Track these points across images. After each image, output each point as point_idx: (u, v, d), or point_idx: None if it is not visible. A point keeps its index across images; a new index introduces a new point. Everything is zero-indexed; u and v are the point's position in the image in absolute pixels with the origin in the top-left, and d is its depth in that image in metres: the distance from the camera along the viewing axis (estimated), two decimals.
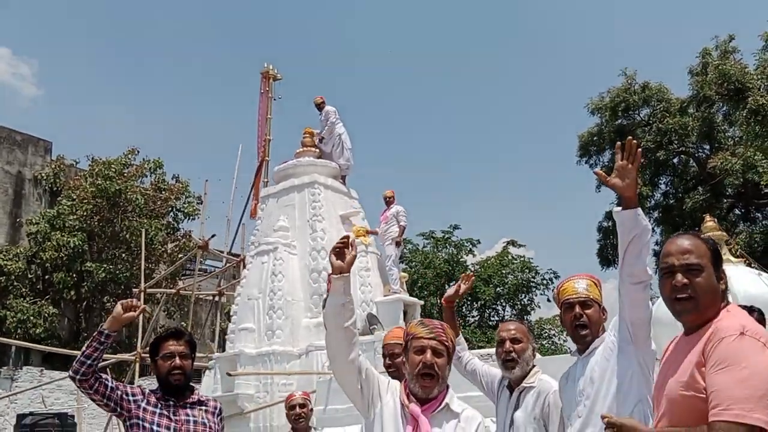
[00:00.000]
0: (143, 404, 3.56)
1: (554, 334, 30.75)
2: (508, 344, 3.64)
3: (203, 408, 3.69)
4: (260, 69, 16.51)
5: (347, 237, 3.04)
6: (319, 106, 13.88)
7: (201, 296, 18.45)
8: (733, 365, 2.07)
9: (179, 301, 22.13)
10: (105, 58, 64.56)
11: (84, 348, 3.49)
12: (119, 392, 3.56)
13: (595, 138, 24.72)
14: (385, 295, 12.17)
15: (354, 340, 2.93)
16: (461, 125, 66.91)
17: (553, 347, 29.38)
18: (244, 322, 11.92)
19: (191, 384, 3.75)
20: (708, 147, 23.46)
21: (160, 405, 3.58)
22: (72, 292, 21.43)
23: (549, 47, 65.80)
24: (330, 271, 3.00)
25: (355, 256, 2.99)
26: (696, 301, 2.29)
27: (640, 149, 2.94)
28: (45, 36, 60.41)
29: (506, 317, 31.07)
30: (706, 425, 2.05)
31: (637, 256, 2.99)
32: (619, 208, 3.01)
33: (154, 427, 3.50)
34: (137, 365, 11.52)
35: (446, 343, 2.97)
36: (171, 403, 3.61)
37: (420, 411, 2.85)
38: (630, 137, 3.03)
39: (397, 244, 12.73)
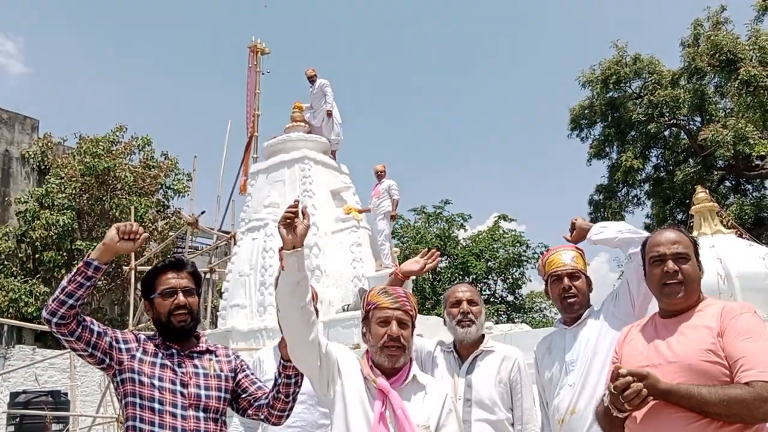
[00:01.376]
0: (138, 353, 2.79)
1: (545, 307, 30.90)
2: (465, 305, 3.47)
3: (213, 358, 2.93)
4: (248, 43, 16.33)
5: (296, 203, 2.67)
6: (311, 79, 13.70)
7: None
8: (758, 336, 2.34)
9: None
10: (92, 35, 63.92)
11: (64, 283, 2.65)
12: (108, 339, 2.77)
13: (586, 111, 24.67)
14: (376, 270, 12.15)
15: (312, 320, 2.69)
16: (451, 100, 66.68)
17: (544, 320, 29.52)
18: (236, 298, 11.90)
19: (198, 330, 3.00)
20: (699, 119, 23.43)
21: (160, 354, 2.81)
22: (62, 271, 21.28)
23: (540, 19, 65.44)
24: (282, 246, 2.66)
25: (308, 226, 2.66)
26: (684, 285, 2.53)
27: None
28: (32, 13, 59.66)
29: (497, 291, 31.22)
30: (741, 383, 2.23)
31: (629, 242, 3.25)
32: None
33: (155, 381, 2.74)
34: None
35: (411, 313, 2.83)
36: (173, 351, 2.85)
37: (389, 385, 2.70)
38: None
39: (392, 217, 12.69)
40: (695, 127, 23.42)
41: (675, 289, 2.53)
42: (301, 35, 67.54)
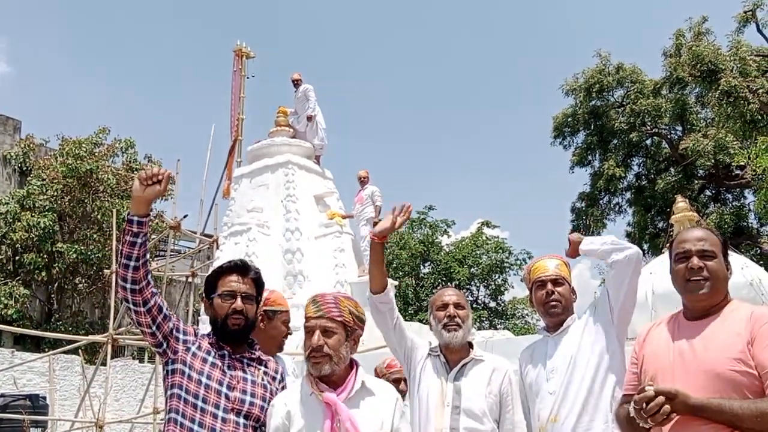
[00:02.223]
0: (193, 348, 2.80)
1: (527, 314, 31.01)
2: (452, 308, 3.37)
3: (263, 369, 2.92)
4: (233, 47, 16.34)
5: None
6: (296, 83, 13.71)
7: (174, 277, 18.29)
8: None
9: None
10: (76, 37, 63.56)
11: (120, 248, 2.73)
12: (171, 324, 2.81)
13: (569, 119, 24.85)
14: (359, 276, 12.15)
15: None
16: (436, 106, 66.84)
17: (526, 327, 29.63)
18: None
19: (252, 338, 2.98)
20: (680, 128, 23.65)
21: (212, 353, 2.81)
22: (43, 273, 21.15)
23: (524, 28, 65.80)
24: None
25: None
26: (710, 282, 2.43)
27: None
28: (15, 13, 59.18)
29: (480, 297, 31.30)
30: None
31: (612, 250, 3.31)
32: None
33: (203, 379, 2.73)
34: (109, 347, 11.39)
35: (338, 319, 2.69)
36: (225, 353, 2.84)
37: (336, 398, 2.58)
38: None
39: (375, 224, 12.69)
40: (676, 137, 23.64)
41: (699, 284, 2.43)
42: (286, 39, 67.55)
